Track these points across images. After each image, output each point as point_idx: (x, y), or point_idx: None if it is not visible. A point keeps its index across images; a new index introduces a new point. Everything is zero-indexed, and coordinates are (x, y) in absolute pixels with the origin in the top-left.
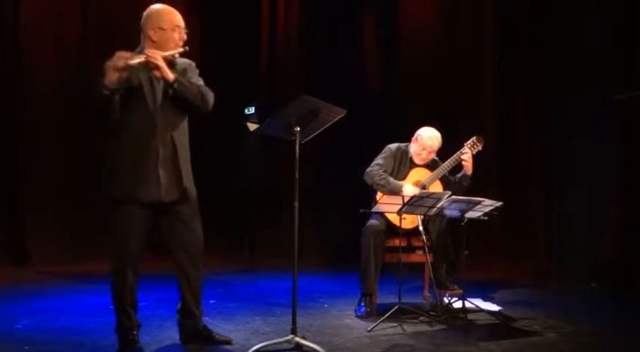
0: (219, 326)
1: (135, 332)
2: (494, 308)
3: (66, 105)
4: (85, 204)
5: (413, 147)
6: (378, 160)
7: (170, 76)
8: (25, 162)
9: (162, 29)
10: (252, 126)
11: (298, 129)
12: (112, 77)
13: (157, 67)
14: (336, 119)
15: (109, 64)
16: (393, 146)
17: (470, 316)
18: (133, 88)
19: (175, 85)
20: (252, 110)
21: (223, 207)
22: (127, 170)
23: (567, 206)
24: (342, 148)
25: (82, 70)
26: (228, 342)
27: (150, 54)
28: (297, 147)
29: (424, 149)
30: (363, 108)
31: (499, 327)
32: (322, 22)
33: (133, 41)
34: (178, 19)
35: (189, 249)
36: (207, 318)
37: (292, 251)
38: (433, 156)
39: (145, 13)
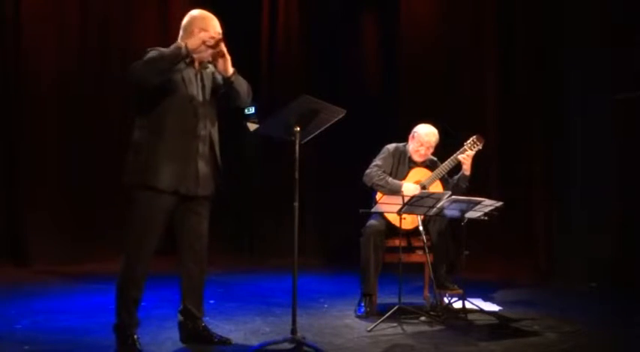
0: (219, 326)
1: (133, 331)
2: (494, 308)
3: (66, 104)
4: (85, 204)
5: (411, 145)
6: (377, 161)
7: (231, 69)
8: (25, 161)
9: (207, 32)
10: (252, 126)
11: (298, 129)
12: (195, 45)
13: (224, 58)
14: (336, 119)
15: (202, 35)
16: (391, 146)
17: (470, 316)
18: (176, 83)
19: (233, 78)
20: (252, 110)
21: (223, 207)
22: (171, 163)
23: (567, 206)
24: (342, 148)
25: (82, 70)
26: (228, 343)
27: (222, 44)
28: (297, 147)
29: (422, 145)
30: (363, 108)
31: (499, 327)
32: (322, 22)
33: (133, 41)
34: (219, 26)
35: (195, 246)
36: (207, 318)
37: (292, 251)
38: (431, 151)
39: (191, 14)
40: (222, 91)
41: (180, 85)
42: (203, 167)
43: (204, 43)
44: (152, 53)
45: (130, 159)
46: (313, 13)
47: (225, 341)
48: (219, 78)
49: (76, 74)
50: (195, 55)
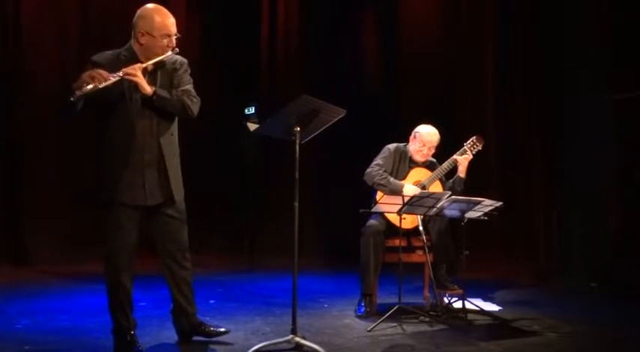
0: (219, 326)
1: (133, 333)
2: (494, 308)
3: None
4: (85, 204)
5: (412, 145)
6: (378, 161)
7: (148, 90)
8: (25, 162)
9: (152, 36)
10: (252, 126)
11: (298, 129)
12: (80, 87)
13: (135, 83)
14: (336, 119)
15: (85, 75)
16: (392, 146)
17: (470, 316)
18: (114, 94)
19: (154, 98)
20: (252, 110)
21: (223, 207)
22: (112, 174)
23: (567, 206)
24: (342, 148)
25: (82, 70)
26: (225, 333)
27: (127, 71)
28: (297, 147)
29: (424, 145)
30: (363, 108)
31: (499, 327)
32: (322, 22)
33: None
34: (170, 26)
35: (170, 248)
36: (207, 318)
37: (292, 251)
38: (433, 151)
39: (138, 12)
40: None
41: (118, 97)
42: (150, 176)
43: (86, 86)
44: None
45: (92, 173)
46: (313, 12)
47: (222, 333)
48: (181, 72)
49: (76, 74)
50: (141, 58)
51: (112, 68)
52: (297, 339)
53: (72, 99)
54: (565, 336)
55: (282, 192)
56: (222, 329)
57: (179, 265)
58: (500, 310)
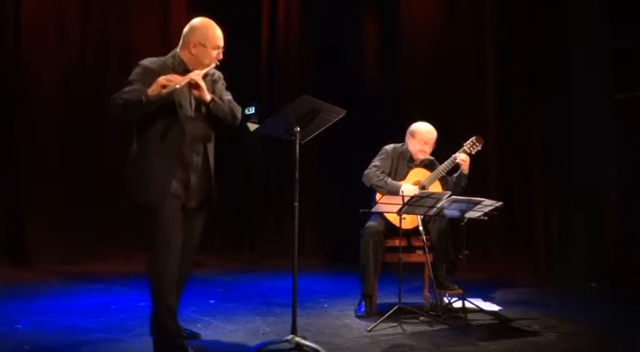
0: (219, 326)
1: (184, 335)
2: (494, 308)
3: (66, 105)
4: (85, 204)
5: (412, 145)
6: (376, 162)
7: (207, 97)
8: (25, 161)
9: (204, 46)
10: (252, 126)
11: (298, 129)
12: (155, 91)
13: (198, 88)
14: (336, 119)
15: (163, 78)
16: (389, 147)
17: (470, 316)
18: (167, 98)
19: (211, 105)
20: (252, 110)
21: (223, 207)
22: (162, 172)
23: (567, 206)
24: (342, 148)
25: (82, 70)
26: (198, 337)
27: (193, 76)
28: (297, 147)
29: (426, 143)
30: (363, 108)
31: (499, 327)
32: (322, 22)
33: (133, 41)
34: (221, 39)
35: (189, 250)
36: (207, 318)
37: (292, 251)
38: (432, 148)
39: (192, 24)
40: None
41: (170, 102)
42: (196, 179)
43: (163, 87)
44: (128, 89)
45: (128, 169)
46: (313, 12)
47: (194, 336)
48: (219, 84)
49: (76, 74)
50: (189, 67)
51: (162, 74)
52: (297, 339)
53: (148, 100)
54: (565, 336)
55: (282, 192)
56: (196, 333)
57: (185, 273)
58: (500, 310)
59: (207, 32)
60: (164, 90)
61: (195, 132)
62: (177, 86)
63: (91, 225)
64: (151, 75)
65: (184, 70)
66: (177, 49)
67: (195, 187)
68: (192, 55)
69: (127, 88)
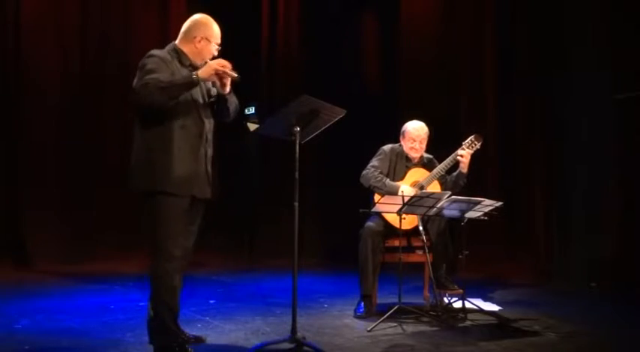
0: (219, 326)
1: (189, 339)
2: (494, 308)
3: (66, 104)
4: (86, 203)
5: (404, 145)
6: (374, 162)
7: (228, 89)
8: (25, 161)
9: (209, 41)
10: (252, 126)
11: (298, 129)
12: (207, 73)
13: (225, 80)
14: (336, 119)
15: (212, 64)
16: (387, 147)
17: (470, 316)
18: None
19: (228, 97)
20: (252, 110)
21: (223, 207)
22: (185, 167)
23: (567, 206)
24: (341, 148)
25: (82, 70)
26: (202, 341)
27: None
28: (297, 147)
29: (414, 141)
30: (363, 108)
31: (499, 327)
32: (322, 22)
33: (133, 41)
34: (220, 36)
35: (185, 255)
36: (207, 318)
37: (292, 251)
38: (424, 145)
39: (196, 19)
40: (212, 100)
41: (189, 95)
42: (210, 170)
43: (215, 71)
44: (154, 76)
45: (139, 163)
46: (313, 12)
47: (199, 340)
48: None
49: (76, 74)
50: (192, 60)
51: (172, 64)
52: (297, 339)
53: (196, 78)
54: (565, 336)
55: (282, 192)
56: (200, 338)
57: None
58: (500, 310)
59: (212, 27)
60: (216, 76)
61: (206, 121)
62: (236, 75)
63: (90, 225)
64: (166, 63)
65: (190, 64)
66: (177, 43)
67: (212, 178)
68: (196, 48)
69: (151, 76)
